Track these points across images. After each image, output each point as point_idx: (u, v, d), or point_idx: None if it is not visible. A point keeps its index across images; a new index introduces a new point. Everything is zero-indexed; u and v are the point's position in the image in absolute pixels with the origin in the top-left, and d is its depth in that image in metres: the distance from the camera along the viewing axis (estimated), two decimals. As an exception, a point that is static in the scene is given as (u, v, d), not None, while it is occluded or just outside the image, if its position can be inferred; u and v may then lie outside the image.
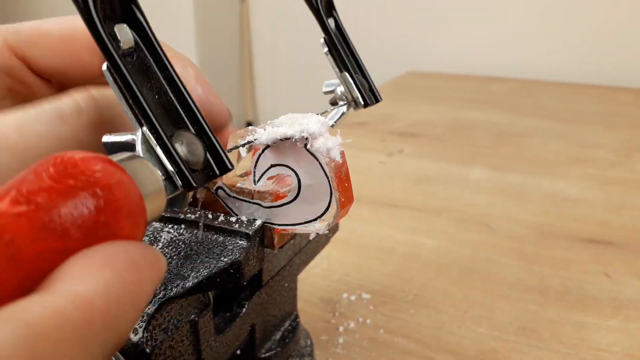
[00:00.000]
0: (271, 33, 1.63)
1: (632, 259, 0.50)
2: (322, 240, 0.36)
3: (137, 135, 0.18)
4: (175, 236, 0.25)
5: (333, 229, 0.35)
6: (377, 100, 0.34)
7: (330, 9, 0.32)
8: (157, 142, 0.17)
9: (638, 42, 1.18)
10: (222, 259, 0.24)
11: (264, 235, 0.25)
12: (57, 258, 0.14)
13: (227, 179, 0.26)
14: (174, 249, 0.24)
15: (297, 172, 0.24)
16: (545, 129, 0.88)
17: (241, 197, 0.25)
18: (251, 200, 0.25)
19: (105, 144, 0.18)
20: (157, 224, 0.26)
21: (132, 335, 0.22)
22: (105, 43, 0.17)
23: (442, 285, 0.46)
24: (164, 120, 0.18)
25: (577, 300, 0.44)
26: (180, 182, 0.18)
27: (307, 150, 0.23)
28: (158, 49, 0.18)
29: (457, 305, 0.43)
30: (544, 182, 0.67)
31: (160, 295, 0.23)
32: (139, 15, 0.18)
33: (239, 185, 0.25)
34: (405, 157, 0.76)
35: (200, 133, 0.18)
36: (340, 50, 0.33)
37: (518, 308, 0.43)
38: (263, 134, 0.24)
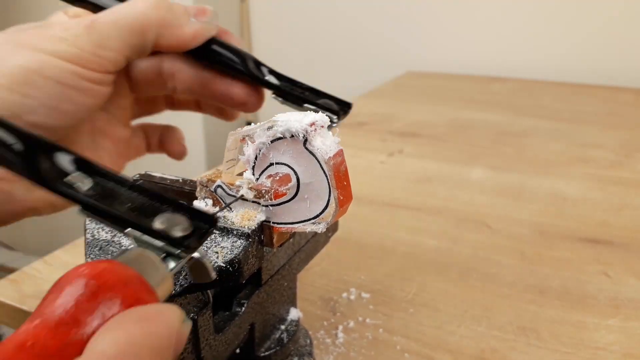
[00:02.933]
0: (271, 33, 1.63)
1: (632, 259, 0.50)
2: (321, 240, 0.36)
3: (131, 240, 0.21)
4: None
5: (333, 228, 0.35)
6: (348, 107, 0.35)
7: (260, 67, 0.34)
8: (141, 232, 0.20)
9: (638, 42, 1.18)
10: (221, 257, 0.24)
11: (263, 234, 0.25)
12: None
13: (226, 177, 0.26)
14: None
15: (296, 171, 0.24)
16: (545, 129, 0.88)
17: (240, 196, 0.25)
18: (250, 199, 0.25)
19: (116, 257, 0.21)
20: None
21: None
22: (67, 195, 0.20)
23: (442, 285, 0.46)
24: (142, 217, 0.20)
25: (577, 300, 0.44)
26: (176, 251, 0.20)
27: (306, 148, 0.23)
28: (110, 173, 0.21)
29: (456, 305, 0.43)
30: (544, 182, 0.67)
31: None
32: (82, 157, 0.21)
33: (237, 183, 0.25)
34: (405, 157, 0.76)
35: (176, 208, 0.21)
36: (294, 93, 0.34)
37: (518, 308, 0.43)
38: (259, 133, 0.24)
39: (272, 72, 0.34)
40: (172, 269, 0.20)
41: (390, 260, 0.49)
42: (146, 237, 0.20)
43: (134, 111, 0.37)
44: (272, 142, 0.24)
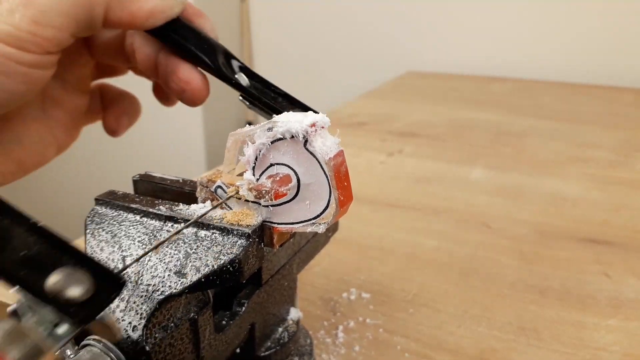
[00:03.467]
0: (271, 33, 1.63)
1: (632, 258, 0.50)
2: (321, 240, 0.36)
3: (16, 299, 0.18)
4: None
5: (333, 228, 0.35)
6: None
7: (231, 62, 0.29)
8: (32, 294, 0.17)
9: (638, 42, 1.18)
10: (221, 257, 0.24)
11: (263, 233, 0.25)
12: None
13: (226, 177, 0.26)
14: (174, 247, 0.24)
15: (297, 171, 0.24)
16: (545, 129, 0.88)
17: (240, 196, 0.25)
18: (250, 199, 0.25)
19: (9, 314, 0.18)
20: (156, 223, 0.26)
21: (131, 333, 0.22)
22: None
23: (442, 285, 0.46)
24: (34, 271, 0.18)
25: (577, 300, 0.44)
26: (71, 319, 0.18)
27: (307, 149, 0.23)
28: (10, 208, 0.18)
29: (456, 305, 0.43)
30: (544, 182, 0.67)
31: (159, 294, 0.23)
32: None
33: (237, 184, 0.25)
34: (405, 157, 0.76)
35: (79, 263, 0.18)
36: (265, 97, 0.29)
37: (517, 308, 0.43)
38: (259, 133, 0.24)
39: (244, 69, 0.30)
40: (57, 346, 0.17)
41: (390, 260, 0.49)
42: (37, 300, 0.17)
43: (93, 77, 0.34)
44: (272, 142, 0.24)
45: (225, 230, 0.24)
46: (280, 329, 0.34)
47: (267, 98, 0.29)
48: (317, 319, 0.41)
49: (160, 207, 0.27)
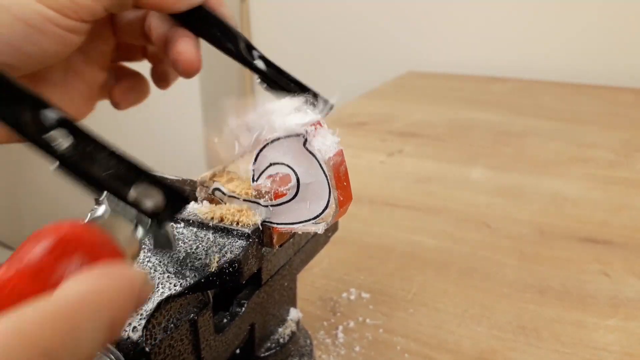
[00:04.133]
0: (271, 33, 1.63)
1: (632, 258, 0.50)
2: (321, 240, 0.36)
3: (105, 204, 0.22)
4: (175, 235, 0.25)
5: (332, 228, 0.35)
6: (329, 107, 0.34)
7: (251, 50, 0.33)
8: (118, 199, 0.21)
9: (638, 42, 1.18)
10: (221, 258, 0.24)
11: (263, 234, 0.25)
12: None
13: (225, 178, 0.26)
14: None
15: (296, 171, 0.24)
16: (545, 129, 0.88)
17: (239, 196, 0.25)
18: (250, 199, 0.25)
19: (89, 220, 0.22)
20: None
21: (131, 334, 0.22)
22: (46, 150, 0.21)
23: (442, 285, 0.46)
24: (118, 185, 0.21)
25: (577, 300, 0.44)
26: (147, 222, 0.22)
27: (306, 149, 0.23)
28: (92, 136, 0.22)
29: (456, 305, 0.43)
30: (544, 182, 0.67)
31: (159, 294, 0.23)
32: (68, 119, 0.21)
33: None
34: (405, 157, 0.76)
35: (152, 182, 0.22)
36: (279, 82, 0.33)
37: (517, 307, 0.43)
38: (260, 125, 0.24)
39: (262, 57, 0.33)
40: (140, 237, 0.21)
41: (390, 260, 0.49)
42: (120, 204, 0.21)
43: (113, 56, 0.37)
44: (272, 142, 0.24)
45: (225, 231, 0.24)
46: (280, 330, 0.34)
47: (282, 83, 0.33)
48: (317, 319, 0.41)
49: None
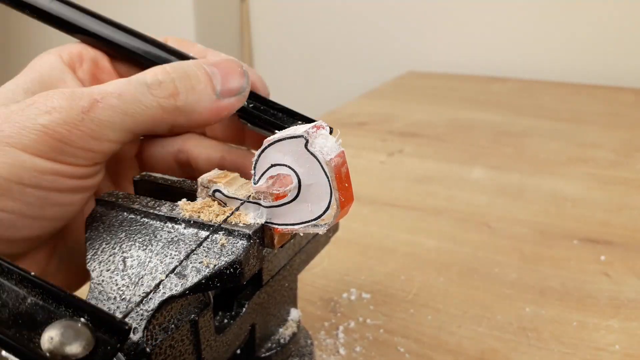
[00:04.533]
0: (271, 33, 1.63)
1: (632, 259, 0.50)
2: (322, 240, 0.36)
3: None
4: (176, 235, 0.25)
5: (333, 228, 0.35)
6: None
7: None
8: (20, 357, 0.16)
9: (638, 42, 1.18)
10: (222, 258, 0.24)
11: (264, 235, 0.25)
12: None
13: (225, 179, 0.26)
14: (175, 248, 0.24)
15: (297, 172, 0.24)
16: (545, 129, 0.88)
17: (240, 198, 0.25)
18: (251, 200, 0.25)
19: None
20: (157, 224, 0.26)
21: (132, 335, 0.22)
22: None
23: (442, 285, 0.46)
24: (28, 327, 0.16)
25: (577, 300, 0.44)
26: None
27: (307, 149, 0.23)
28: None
29: (457, 305, 0.43)
30: (544, 182, 0.67)
31: (160, 295, 0.23)
32: None
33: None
34: (405, 157, 0.76)
35: (77, 313, 0.16)
36: (263, 115, 0.29)
37: (518, 308, 0.43)
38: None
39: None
40: None
41: (390, 260, 0.49)
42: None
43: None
44: (273, 143, 0.24)
45: (226, 231, 0.24)
46: (280, 330, 0.34)
47: (268, 115, 0.29)
48: (317, 319, 0.41)
49: (161, 207, 0.27)
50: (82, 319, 0.16)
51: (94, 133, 0.24)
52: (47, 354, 0.15)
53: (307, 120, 0.29)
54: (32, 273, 0.17)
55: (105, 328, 0.16)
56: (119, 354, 0.19)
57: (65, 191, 0.24)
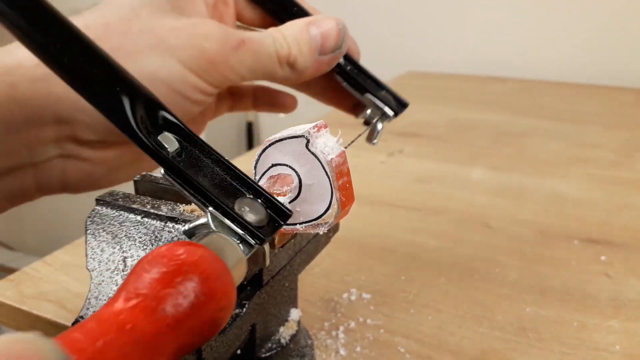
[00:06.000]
0: (271, 33, 1.63)
1: (633, 259, 0.50)
2: (322, 240, 0.36)
3: (207, 216, 0.21)
4: (176, 235, 0.25)
5: (334, 228, 0.35)
6: (404, 106, 0.37)
7: None
8: (224, 215, 0.21)
9: (638, 42, 1.18)
10: (222, 258, 0.23)
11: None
12: (172, 332, 0.17)
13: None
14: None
15: (298, 172, 0.24)
16: (545, 129, 0.88)
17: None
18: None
19: (185, 232, 0.22)
20: (157, 224, 0.26)
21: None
22: (156, 154, 0.20)
23: (443, 285, 0.46)
24: (223, 196, 0.21)
25: (577, 301, 0.44)
26: (252, 241, 0.21)
27: (308, 149, 0.23)
28: (199, 141, 0.21)
29: (457, 305, 0.43)
30: (544, 182, 0.67)
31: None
32: (175, 121, 0.21)
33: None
34: (405, 157, 0.76)
35: (257, 196, 0.21)
36: (357, 78, 0.34)
37: (518, 308, 0.43)
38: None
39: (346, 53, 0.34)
40: (247, 255, 0.21)
41: (390, 261, 0.49)
42: (226, 220, 0.21)
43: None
44: (274, 143, 0.24)
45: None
46: (281, 330, 0.33)
47: (360, 79, 0.35)
48: (317, 319, 0.41)
49: (162, 207, 0.26)
50: (260, 200, 0.21)
51: (234, 67, 0.29)
52: (238, 216, 0.21)
53: (390, 92, 0.36)
54: (226, 159, 0.22)
55: (275, 210, 0.21)
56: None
57: (193, 101, 0.29)
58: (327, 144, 0.23)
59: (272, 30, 0.30)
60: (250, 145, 1.69)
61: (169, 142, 0.21)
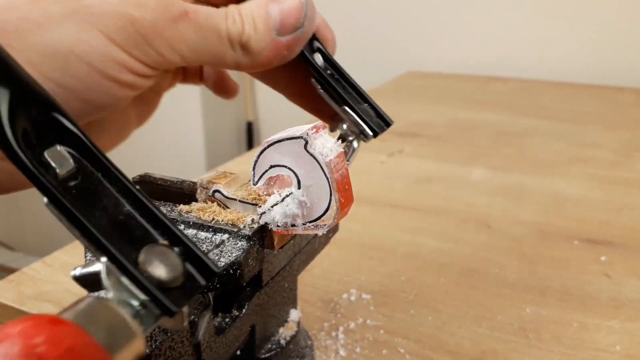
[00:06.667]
0: (271, 33, 1.63)
1: (633, 259, 0.50)
2: (322, 241, 0.36)
3: (101, 267, 0.15)
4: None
5: (333, 229, 0.35)
6: (387, 126, 0.31)
7: (312, 43, 0.28)
8: (121, 271, 0.15)
9: (638, 42, 1.18)
10: (222, 259, 0.23)
11: (264, 236, 0.25)
12: None
13: (224, 180, 0.26)
14: (174, 250, 0.24)
15: (297, 173, 0.24)
16: (545, 129, 0.88)
17: (239, 199, 0.25)
18: (250, 202, 0.25)
19: (75, 278, 0.16)
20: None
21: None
22: (36, 177, 0.14)
23: (443, 286, 0.46)
24: (127, 241, 0.15)
25: (577, 301, 0.44)
26: (158, 311, 0.15)
27: (307, 151, 0.23)
28: (104, 160, 0.16)
29: (457, 306, 0.43)
30: (544, 182, 0.67)
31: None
32: (74, 130, 0.15)
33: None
34: (405, 157, 0.76)
35: (174, 243, 0.16)
36: (335, 84, 0.29)
37: (518, 308, 0.43)
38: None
39: (321, 50, 0.29)
40: (146, 330, 0.15)
41: (390, 261, 0.49)
42: (123, 278, 0.15)
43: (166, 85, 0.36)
44: (273, 144, 0.24)
45: (225, 232, 0.24)
46: (280, 331, 0.33)
47: (339, 86, 0.29)
48: (317, 320, 0.41)
49: (161, 208, 0.26)
50: (176, 249, 0.16)
51: (171, 42, 0.24)
52: (143, 274, 0.15)
53: (373, 108, 0.30)
54: (138, 187, 0.16)
55: (197, 265, 0.16)
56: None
57: (122, 83, 0.24)
58: (326, 145, 0.23)
59: (230, 6, 0.26)
60: (250, 145, 1.69)
61: (60, 159, 0.15)
